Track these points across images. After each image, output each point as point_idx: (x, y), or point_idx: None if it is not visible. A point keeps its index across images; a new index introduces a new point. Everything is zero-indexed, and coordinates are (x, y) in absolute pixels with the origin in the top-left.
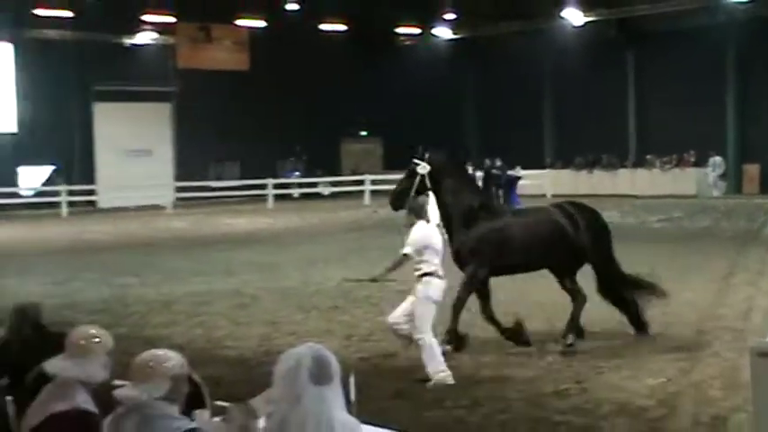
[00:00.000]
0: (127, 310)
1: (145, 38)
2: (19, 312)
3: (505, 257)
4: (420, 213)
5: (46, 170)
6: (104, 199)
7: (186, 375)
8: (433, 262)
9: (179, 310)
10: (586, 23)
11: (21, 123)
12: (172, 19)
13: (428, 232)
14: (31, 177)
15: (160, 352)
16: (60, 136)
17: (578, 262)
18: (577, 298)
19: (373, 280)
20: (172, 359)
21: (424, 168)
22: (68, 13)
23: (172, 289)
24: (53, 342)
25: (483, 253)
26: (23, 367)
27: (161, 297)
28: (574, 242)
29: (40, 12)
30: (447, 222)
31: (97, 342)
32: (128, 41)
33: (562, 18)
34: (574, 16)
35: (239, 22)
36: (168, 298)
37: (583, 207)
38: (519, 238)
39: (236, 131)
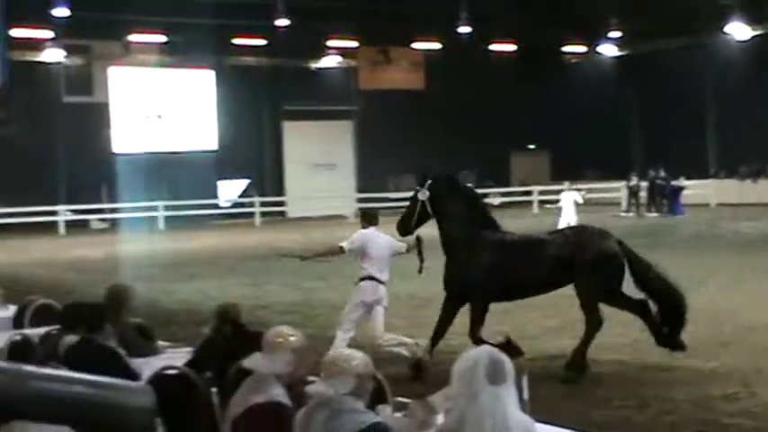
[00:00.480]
0: (314, 312)
1: (330, 61)
2: (221, 313)
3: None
4: (371, 220)
5: (242, 183)
6: (292, 209)
7: (370, 373)
8: (368, 267)
9: None
10: (753, 37)
11: (221, 141)
12: (354, 43)
13: (367, 238)
14: (229, 190)
15: (346, 351)
16: (254, 152)
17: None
18: (590, 322)
19: (302, 258)
20: (357, 358)
21: (423, 194)
22: (262, 41)
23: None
24: (251, 340)
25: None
26: (226, 362)
27: (344, 300)
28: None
29: (237, 41)
30: (443, 248)
31: (291, 340)
32: (314, 65)
33: (726, 33)
34: (739, 31)
35: (416, 44)
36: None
37: (585, 234)
38: (507, 269)
39: (413, 146)
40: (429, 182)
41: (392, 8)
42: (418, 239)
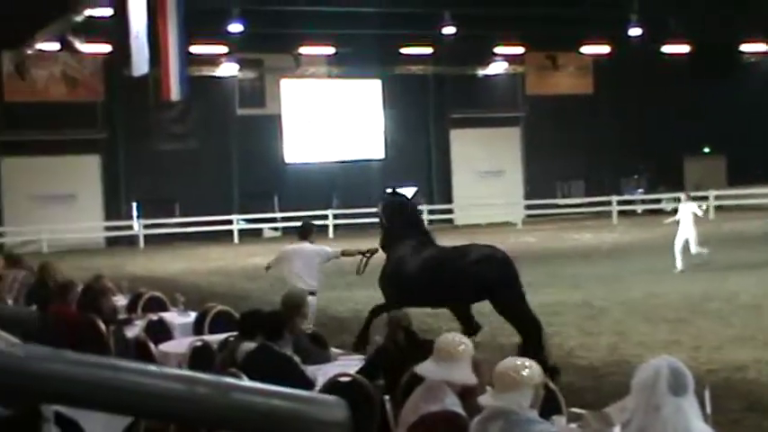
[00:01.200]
0: (481, 320)
1: (496, 68)
2: (393, 321)
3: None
4: (303, 234)
5: (409, 191)
6: (460, 217)
7: (542, 382)
8: (289, 276)
9: None
10: None
11: (388, 150)
12: (521, 49)
13: (288, 250)
14: None
15: (519, 361)
16: (421, 160)
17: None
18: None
19: (267, 267)
20: (531, 367)
21: (378, 209)
22: (429, 50)
23: None
24: (422, 348)
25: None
26: (398, 370)
27: None
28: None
29: (404, 50)
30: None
31: (461, 348)
32: (481, 72)
33: None
34: None
35: (584, 49)
36: None
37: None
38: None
39: (581, 152)
40: (381, 202)
41: (559, 13)
42: (370, 250)
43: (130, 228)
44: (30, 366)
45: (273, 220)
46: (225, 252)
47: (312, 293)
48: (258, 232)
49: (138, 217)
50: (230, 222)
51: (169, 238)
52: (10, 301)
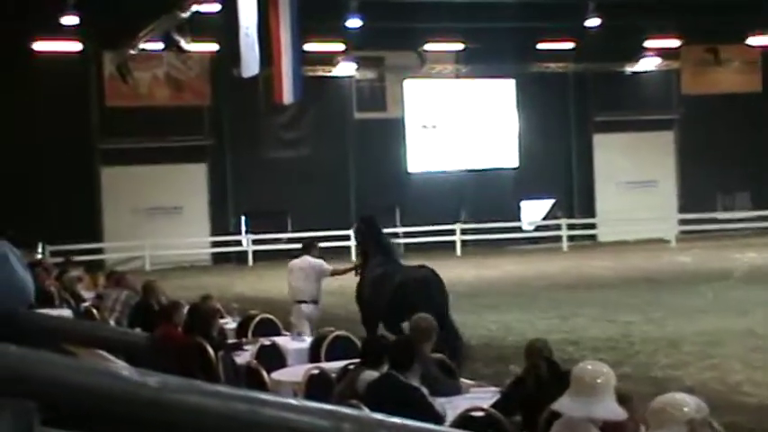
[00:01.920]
0: (631, 349)
1: (647, 64)
2: (533, 350)
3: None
4: (305, 249)
5: (546, 204)
6: (604, 232)
7: (706, 421)
8: (289, 289)
9: (688, 350)
10: None
11: (523, 157)
12: (676, 42)
13: (290, 264)
14: (533, 211)
15: (677, 396)
16: (560, 168)
17: None
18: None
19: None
20: (689, 404)
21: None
22: (570, 45)
23: (678, 327)
24: (565, 380)
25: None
26: (537, 405)
27: (667, 335)
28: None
29: (541, 45)
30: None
31: (601, 381)
32: (629, 69)
33: None
34: None
35: (751, 40)
36: (675, 337)
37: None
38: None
39: (747, 159)
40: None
41: (721, 0)
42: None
43: (239, 243)
44: (163, 399)
45: (395, 235)
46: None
47: (315, 302)
48: None
49: (246, 231)
50: (347, 238)
51: (280, 254)
52: (112, 322)
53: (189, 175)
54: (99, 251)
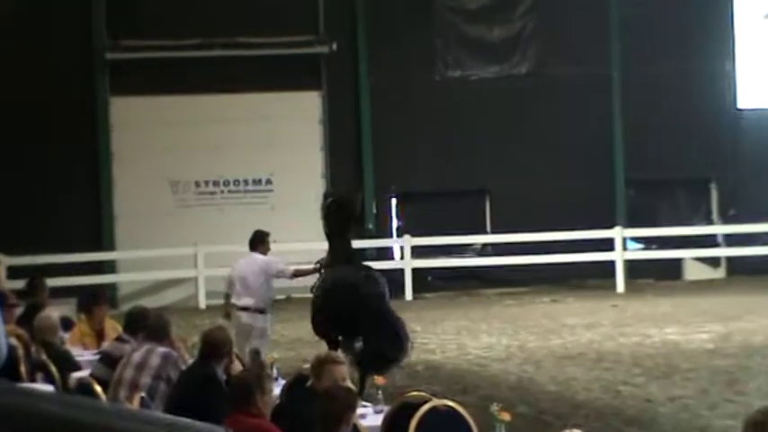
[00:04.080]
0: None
1: None
2: None
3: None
4: (253, 244)
5: None
6: None
7: None
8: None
9: None
10: None
11: None
12: None
13: (235, 264)
14: None
15: None
16: None
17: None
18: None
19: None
20: None
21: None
22: None
23: None
24: None
25: None
26: None
27: None
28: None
29: None
30: None
31: None
32: None
33: None
34: None
35: None
36: None
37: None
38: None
39: None
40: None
41: None
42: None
43: None
44: None
45: (705, 241)
46: (594, 305)
47: (260, 311)
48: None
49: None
50: (611, 245)
51: None
52: (135, 404)
53: None
54: (103, 267)
